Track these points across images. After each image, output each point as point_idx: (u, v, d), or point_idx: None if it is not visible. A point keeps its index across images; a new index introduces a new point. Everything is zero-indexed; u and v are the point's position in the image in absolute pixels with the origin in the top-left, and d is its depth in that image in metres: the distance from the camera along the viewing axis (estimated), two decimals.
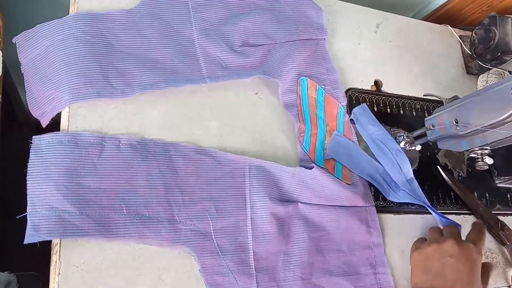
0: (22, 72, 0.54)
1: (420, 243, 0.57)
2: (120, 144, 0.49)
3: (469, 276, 0.51)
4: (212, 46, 0.59)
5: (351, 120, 0.63)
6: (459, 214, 0.67)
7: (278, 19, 0.66)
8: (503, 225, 0.66)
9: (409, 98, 0.73)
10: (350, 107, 0.67)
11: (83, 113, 0.51)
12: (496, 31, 0.72)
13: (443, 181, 0.68)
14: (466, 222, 0.66)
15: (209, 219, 0.50)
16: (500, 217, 0.69)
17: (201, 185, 0.52)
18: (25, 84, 0.53)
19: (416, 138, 0.63)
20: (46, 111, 0.51)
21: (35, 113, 0.52)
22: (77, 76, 0.50)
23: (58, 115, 0.51)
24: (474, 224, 0.61)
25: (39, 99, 0.52)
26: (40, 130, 0.49)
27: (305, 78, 0.64)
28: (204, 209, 0.50)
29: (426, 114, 0.72)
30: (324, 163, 0.59)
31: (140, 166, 0.49)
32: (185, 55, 0.58)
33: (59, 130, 0.50)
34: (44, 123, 0.51)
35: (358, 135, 0.64)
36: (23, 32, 0.54)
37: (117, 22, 0.55)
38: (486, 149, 0.55)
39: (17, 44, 0.54)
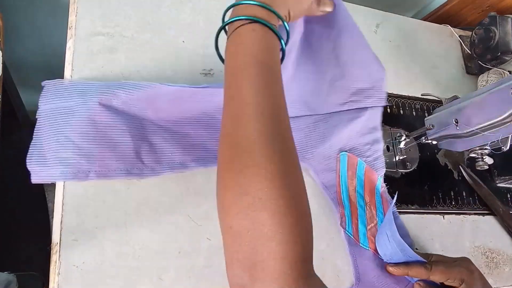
0: (36, 117, 0.48)
1: None
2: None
3: None
4: None
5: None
6: (459, 214, 0.67)
7: (329, 83, 0.56)
8: None
9: (409, 98, 0.73)
10: None
11: None
12: (496, 31, 0.72)
13: (443, 181, 0.68)
14: (466, 221, 0.67)
15: None
16: None
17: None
18: (35, 131, 0.47)
19: (416, 138, 0.63)
20: (52, 171, 0.45)
21: (32, 165, 0.45)
22: (104, 147, 0.47)
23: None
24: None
25: (46, 153, 0.46)
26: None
27: (345, 153, 0.59)
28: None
29: (426, 114, 0.72)
30: (369, 244, 0.57)
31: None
32: (217, 131, 0.52)
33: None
34: (36, 180, 0.45)
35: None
36: (57, 80, 0.49)
37: (164, 97, 0.50)
38: (486, 149, 0.55)
39: (44, 88, 0.49)
